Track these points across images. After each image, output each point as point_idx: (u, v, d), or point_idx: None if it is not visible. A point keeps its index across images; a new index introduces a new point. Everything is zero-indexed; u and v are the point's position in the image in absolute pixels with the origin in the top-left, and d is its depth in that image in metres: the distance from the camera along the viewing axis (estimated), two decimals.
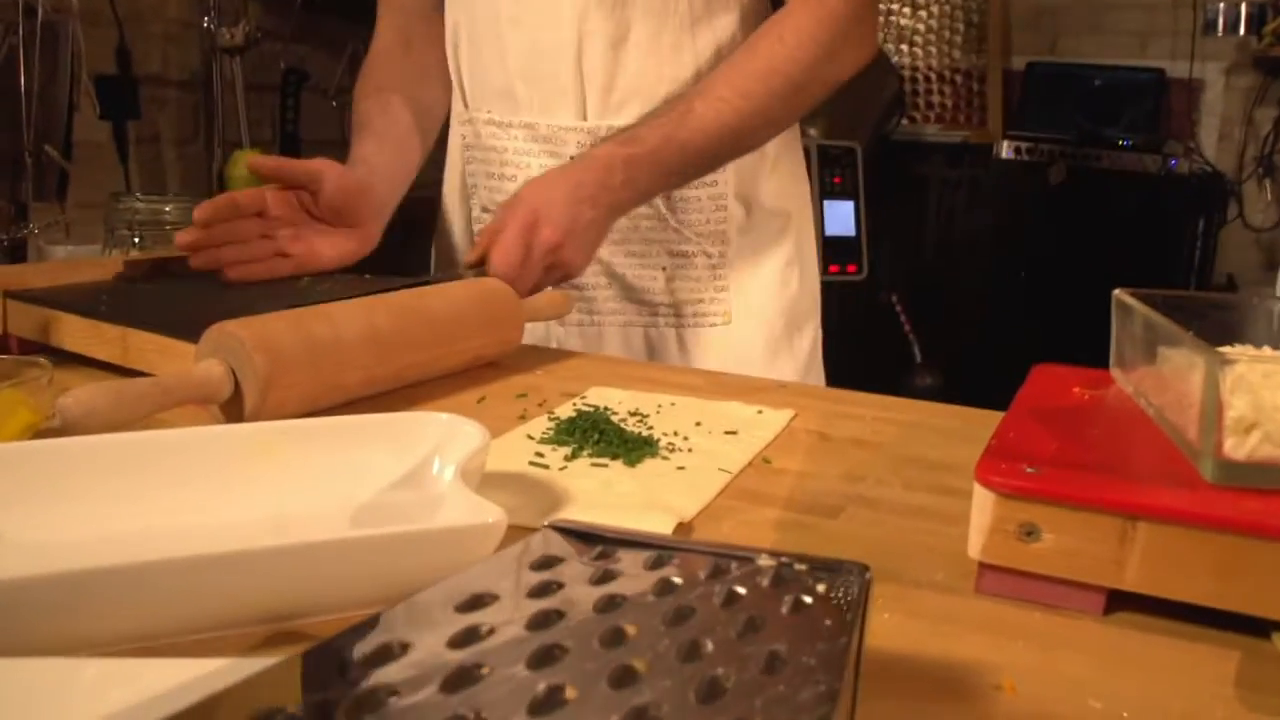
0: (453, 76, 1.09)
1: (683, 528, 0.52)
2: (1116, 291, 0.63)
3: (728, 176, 1.05)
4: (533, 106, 1.01)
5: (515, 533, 0.51)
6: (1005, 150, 3.20)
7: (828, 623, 0.25)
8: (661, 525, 0.51)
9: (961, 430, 0.70)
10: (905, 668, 0.40)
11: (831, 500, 0.57)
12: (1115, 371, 0.64)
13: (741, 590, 0.28)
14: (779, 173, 1.10)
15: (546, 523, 0.32)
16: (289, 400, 0.66)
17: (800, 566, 0.29)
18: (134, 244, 1.08)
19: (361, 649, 0.23)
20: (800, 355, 1.10)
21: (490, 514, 0.40)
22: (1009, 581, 0.46)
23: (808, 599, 0.27)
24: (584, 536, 0.31)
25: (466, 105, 1.07)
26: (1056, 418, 0.55)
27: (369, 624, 0.24)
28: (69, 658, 0.30)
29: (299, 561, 0.36)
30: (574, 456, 0.61)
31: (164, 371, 0.74)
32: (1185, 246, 3.02)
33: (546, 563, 0.29)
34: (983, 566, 0.46)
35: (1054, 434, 0.52)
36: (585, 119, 1.01)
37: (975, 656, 0.41)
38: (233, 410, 0.66)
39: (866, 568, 0.29)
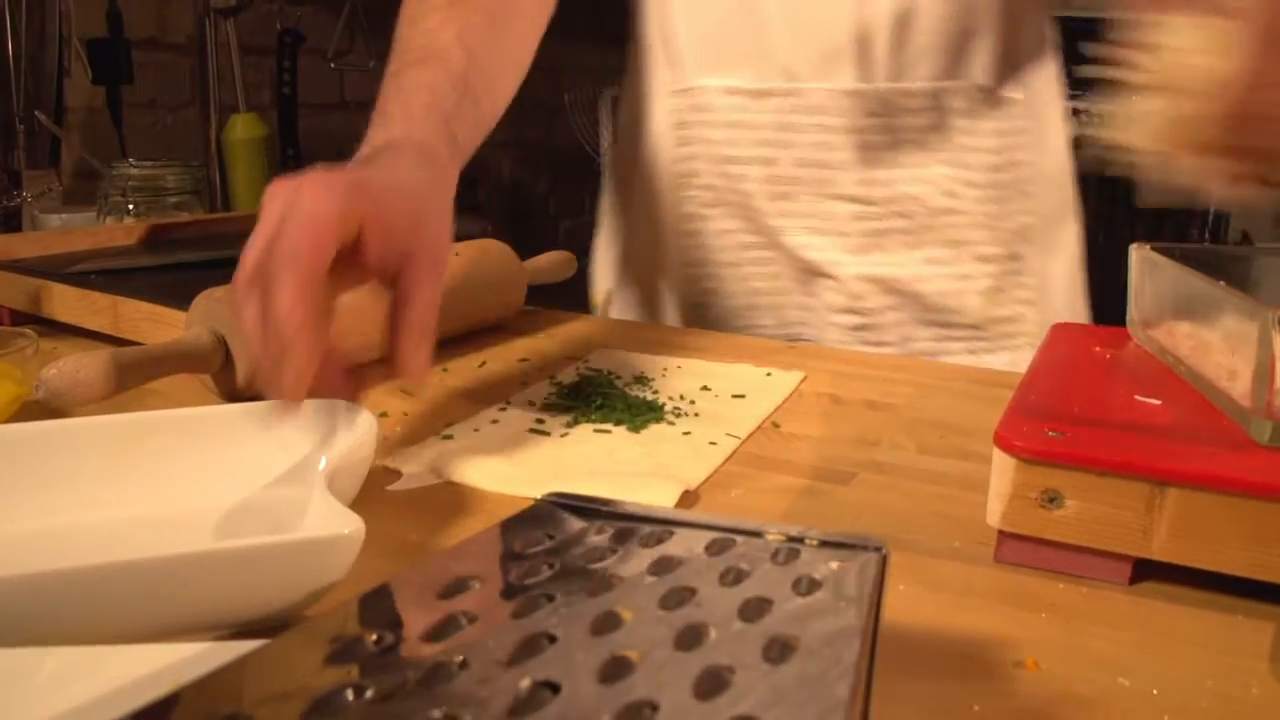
0: (653, 41, 0.88)
1: (688, 496, 0.50)
2: (1135, 246, 0.60)
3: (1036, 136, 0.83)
4: (797, 69, 0.80)
5: (512, 503, 0.49)
6: None
7: (841, 604, 0.23)
8: (666, 494, 0.49)
9: (977, 392, 0.67)
10: (922, 643, 0.38)
11: (843, 466, 0.55)
12: (1134, 329, 0.61)
13: (747, 568, 0.25)
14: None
15: (542, 495, 0.30)
16: None
17: (812, 542, 0.27)
18: (128, 211, 1.06)
19: (329, 640, 0.21)
20: None
21: (347, 524, 0.36)
22: (1030, 550, 0.44)
23: (819, 578, 0.25)
24: (580, 510, 0.29)
25: (680, 73, 0.86)
26: (1077, 378, 0.53)
27: (339, 612, 0.22)
28: (31, 648, 0.28)
29: (115, 582, 0.32)
30: (576, 423, 0.59)
31: (155, 340, 0.72)
32: (1197, 203, 2.97)
33: (539, 539, 0.27)
34: (1002, 535, 0.44)
35: (1075, 395, 0.50)
36: (869, 81, 0.80)
37: (995, 631, 0.39)
38: (225, 379, 0.64)
39: (882, 544, 0.27)
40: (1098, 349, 0.59)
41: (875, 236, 0.84)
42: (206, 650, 0.28)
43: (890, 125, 0.80)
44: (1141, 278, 0.60)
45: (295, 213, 0.45)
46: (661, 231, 0.91)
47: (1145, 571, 0.43)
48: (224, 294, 0.63)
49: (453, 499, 0.50)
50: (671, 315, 0.93)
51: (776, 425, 0.61)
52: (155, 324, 0.73)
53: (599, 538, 0.28)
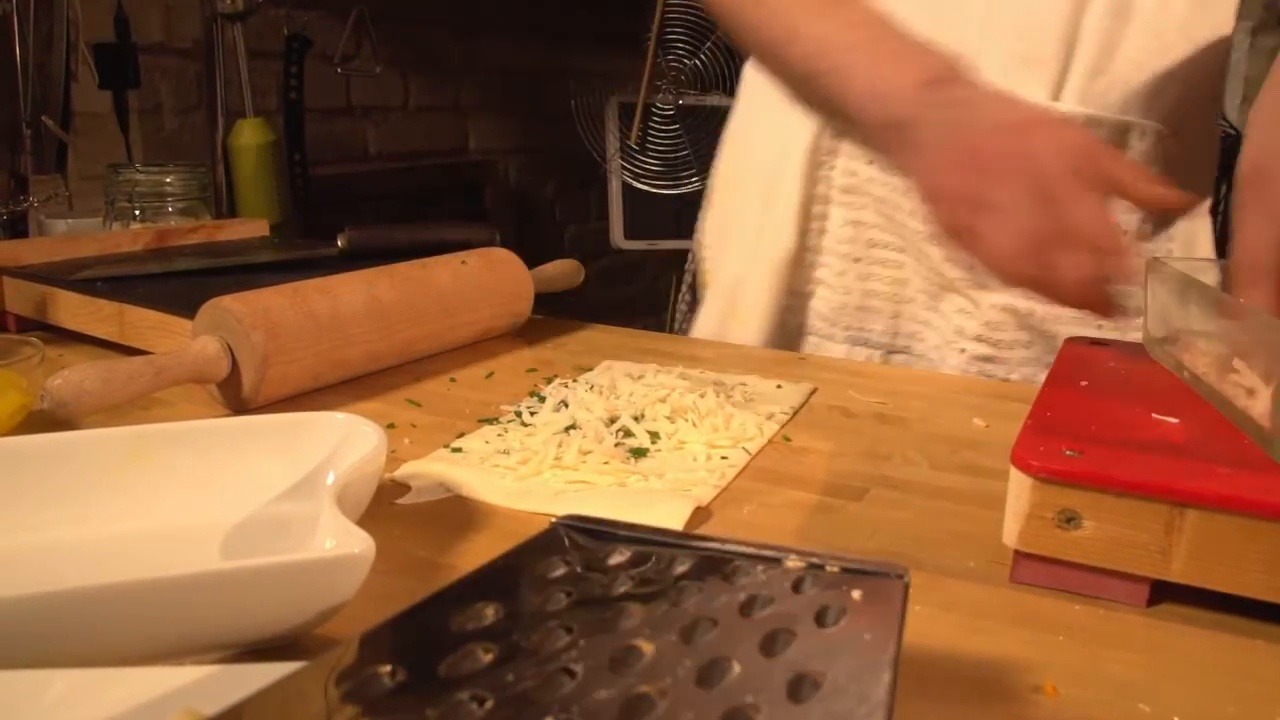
0: None
1: (700, 513, 0.49)
2: (1150, 260, 0.60)
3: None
4: (984, 66, 0.68)
5: (521, 519, 0.49)
6: None
7: (866, 637, 0.23)
8: (678, 511, 0.48)
9: (988, 406, 0.67)
10: (939, 666, 0.37)
11: (856, 482, 0.54)
12: (1150, 344, 0.60)
13: (768, 596, 0.25)
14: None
15: (554, 518, 0.30)
16: (289, 377, 0.64)
17: (833, 568, 0.27)
18: (134, 216, 1.05)
19: (342, 677, 0.20)
20: None
21: (357, 543, 0.35)
22: (1046, 571, 0.43)
23: (843, 608, 0.24)
24: (596, 533, 0.29)
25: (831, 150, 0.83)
26: (1094, 395, 0.53)
27: (350, 645, 0.22)
28: (36, 670, 0.28)
29: (122, 602, 0.31)
30: (584, 436, 0.58)
31: (162, 349, 0.72)
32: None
33: (555, 565, 0.26)
34: (1019, 555, 0.44)
35: (1092, 413, 0.49)
36: (1058, 98, 0.74)
37: (1013, 654, 0.38)
38: (230, 389, 0.63)
39: (905, 570, 0.27)
40: (1112, 364, 0.59)
41: None
42: (215, 673, 0.28)
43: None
44: (1157, 292, 0.59)
45: None
46: (784, 210, 0.85)
47: (1162, 593, 0.42)
48: (231, 302, 0.63)
49: (461, 514, 0.49)
50: (765, 302, 0.87)
51: (787, 439, 0.60)
52: (161, 332, 0.72)
53: (616, 562, 0.27)
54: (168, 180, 1.05)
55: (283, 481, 0.47)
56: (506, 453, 0.56)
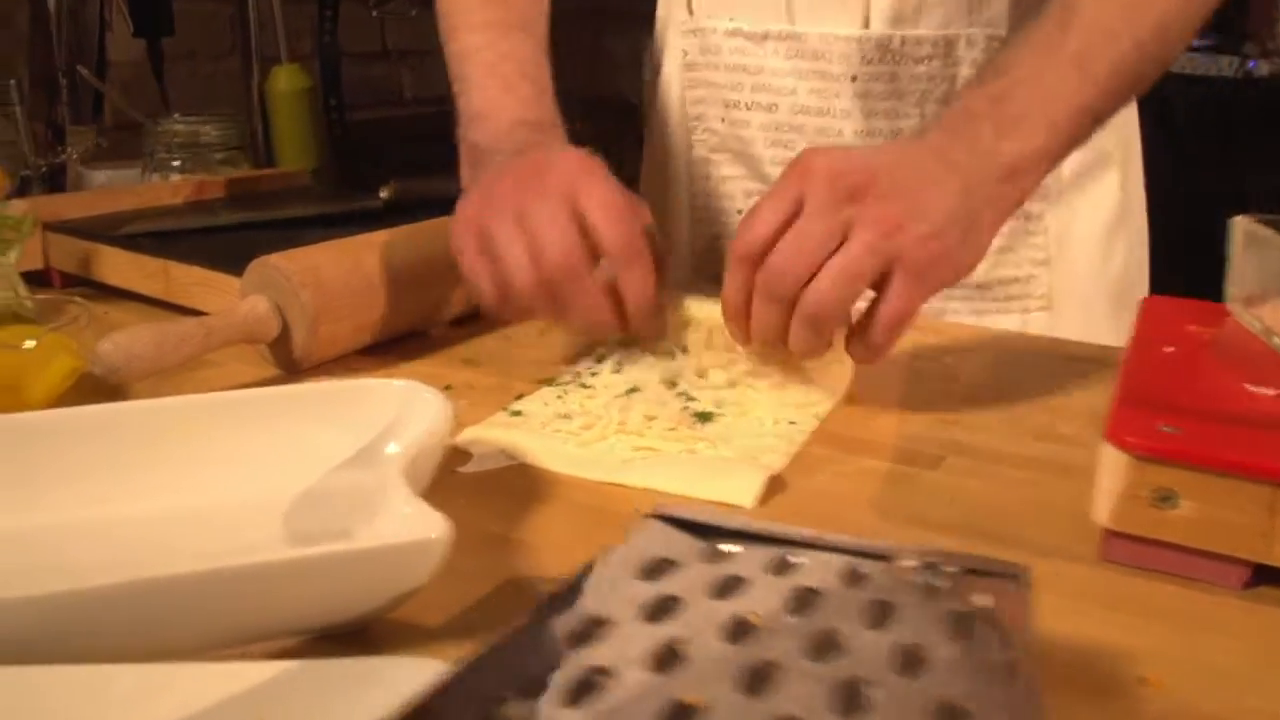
0: None
1: (775, 481, 0.48)
2: (1238, 219, 0.57)
3: None
4: (797, 10, 0.77)
5: (588, 489, 0.48)
6: None
7: (1002, 656, 0.21)
8: (751, 481, 0.46)
9: (1060, 367, 0.64)
10: (1038, 652, 0.35)
11: (930, 448, 0.52)
12: (1235, 306, 0.58)
13: (890, 603, 0.23)
14: None
15: (648, 513, 0.28)
16: (338, 336, 0.63)
17: (950, 569, 0.25)
18: (173, 167, 1.04)
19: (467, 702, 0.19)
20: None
21: (433, 527, 0.33)
22: (1139, 550, 0.41)
23: (969, 617, 0.23)
24: (694, 527, 0.27)
25: (692, 11, 0.83)
26: (1180, 363, 0.50)
27: (462, 669, 0.21)
28: (101, 665, 0.27)
29: (192, 592, 0.30)
30: (646, 400, 0.56)
31: (208, 305, 0.70)
32: (1265, 159, 2.84)
33: (656, 567, 0.25)
34: (1109, 533, 0.42)
35: (1182, 383, 0.47)
36: (867, 26, 0.76)
37: (1111, 640, 0.36)
38: (281, 349, 0.62)
39: (1025, 570, 0.25)
40: (1193, 328, 0.56)
41: None
42: (286, 670, 0.27)
43: (894, 74, 0.76)
44: (1244, 252, 0.56)
45: None
46: (675, 174, 0.89)
47: (1262, 575, 0.40)
48: (279, 260, 0.61)
49: (526, 483, 0.48)
50: (683, 260, 0.90)
51: (853, 401, 0.58)
52: (208, 289, 0.71)
53: (723, 566, 0.26)
54: (206, 130, 1.04)
55: (341, 452, 0.46)
56: (568, 417, 0.54)
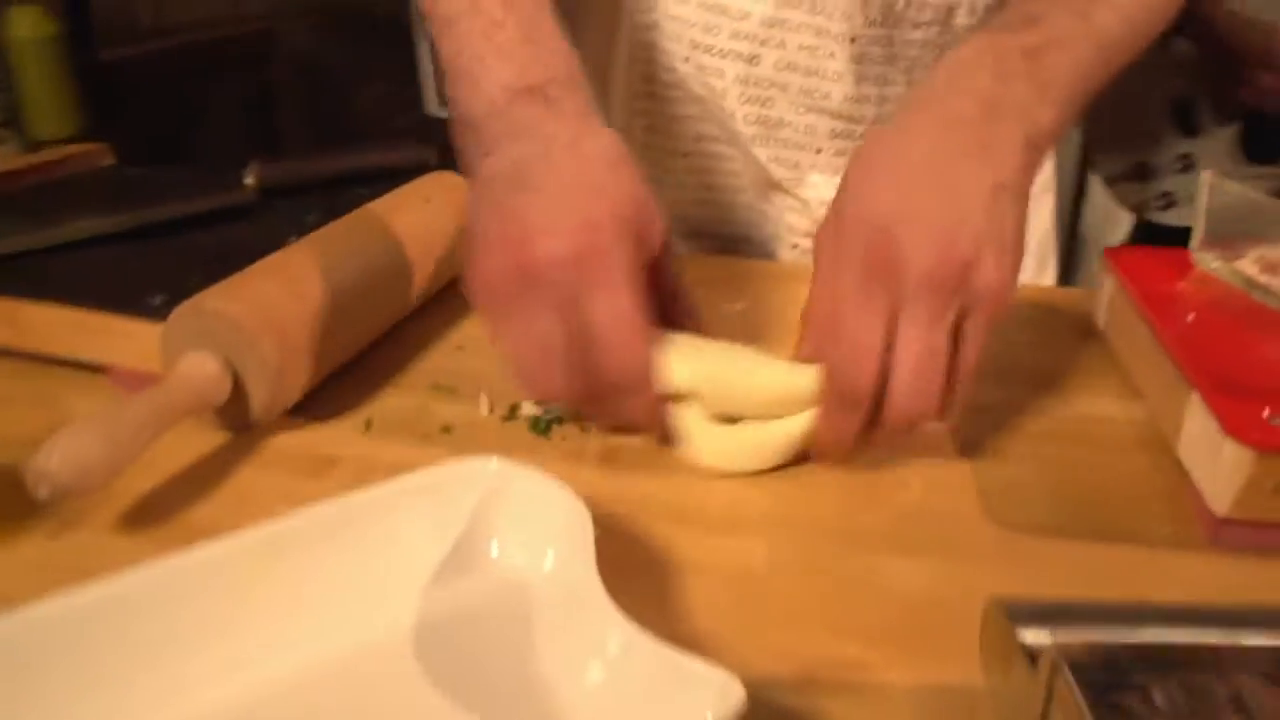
0: None
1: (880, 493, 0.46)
2: (1206, 173, 0.60)
3: None
4: None
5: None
6: None
7: None
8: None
9: (1044, 320, 0.65)
10: None
11: (987, 416, 0.52)
12: (1211, 261, 0.61)
13: None
14: None
15: (1053, 659, 0.25)
16: (300, 381, 0.54)
17: None
18: None
19: None
20: None
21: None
22: (1254, 533, 0.44)
23: None
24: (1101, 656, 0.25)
25: None
26: (1217, 333, 0.53)
27: None
28: None
29: None
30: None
31: (88, 353, 0.58)
32: None
33: None
34: (1222, 520, 0.44)
35: (1248, 361, 0.50)
36: None
37: None
38: (234, 411, 0.52)
39: None
40: (1180, 285, 0.59)
41: None
42: None
43: (890, 37, 0.73)
44: (1214, 204, 0.60)
45: None
46: (609, 91, 0.79)
47: None
48: (219, 304, 0.51)
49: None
50: None
51: None
52: (81, 331, 0.58)
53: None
54: None
55: (424, 560, 0.40)
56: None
